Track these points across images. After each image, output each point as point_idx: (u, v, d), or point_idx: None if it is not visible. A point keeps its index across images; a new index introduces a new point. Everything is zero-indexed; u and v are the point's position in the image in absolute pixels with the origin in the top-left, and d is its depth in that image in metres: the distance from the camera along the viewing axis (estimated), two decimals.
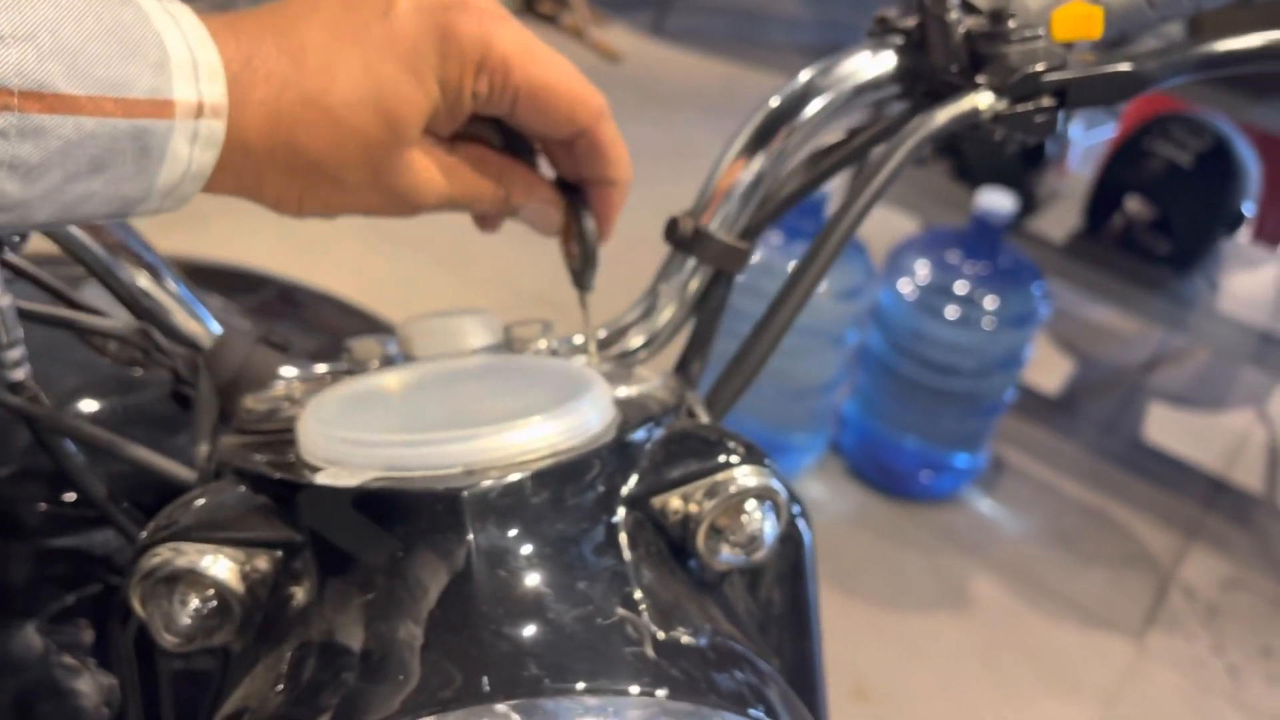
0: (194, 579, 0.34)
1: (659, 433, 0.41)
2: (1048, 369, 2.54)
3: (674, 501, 0.38)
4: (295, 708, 0.31)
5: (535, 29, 0.53)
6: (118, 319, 0.49)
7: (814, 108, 0.51)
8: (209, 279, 0.70)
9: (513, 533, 0.35)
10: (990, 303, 1.91)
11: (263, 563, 0.35)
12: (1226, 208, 2.14)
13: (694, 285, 0.52)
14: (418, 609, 0.32)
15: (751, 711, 0.33)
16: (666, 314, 0.53)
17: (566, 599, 0.33)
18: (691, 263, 0.52)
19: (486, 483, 0.35)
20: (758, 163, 0.51)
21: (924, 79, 0.51)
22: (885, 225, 2.16)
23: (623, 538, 0.36)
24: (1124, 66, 0.48)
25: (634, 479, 0.39)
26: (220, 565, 0.34)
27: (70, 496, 0.53)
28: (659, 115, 3.44)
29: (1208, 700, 1.81)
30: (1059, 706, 1.78)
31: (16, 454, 0.54)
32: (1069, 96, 0.49)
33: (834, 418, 2.19)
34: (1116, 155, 2.23)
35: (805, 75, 0.51)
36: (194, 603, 0.34)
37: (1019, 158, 2.39)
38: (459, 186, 0.45)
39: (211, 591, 0.34)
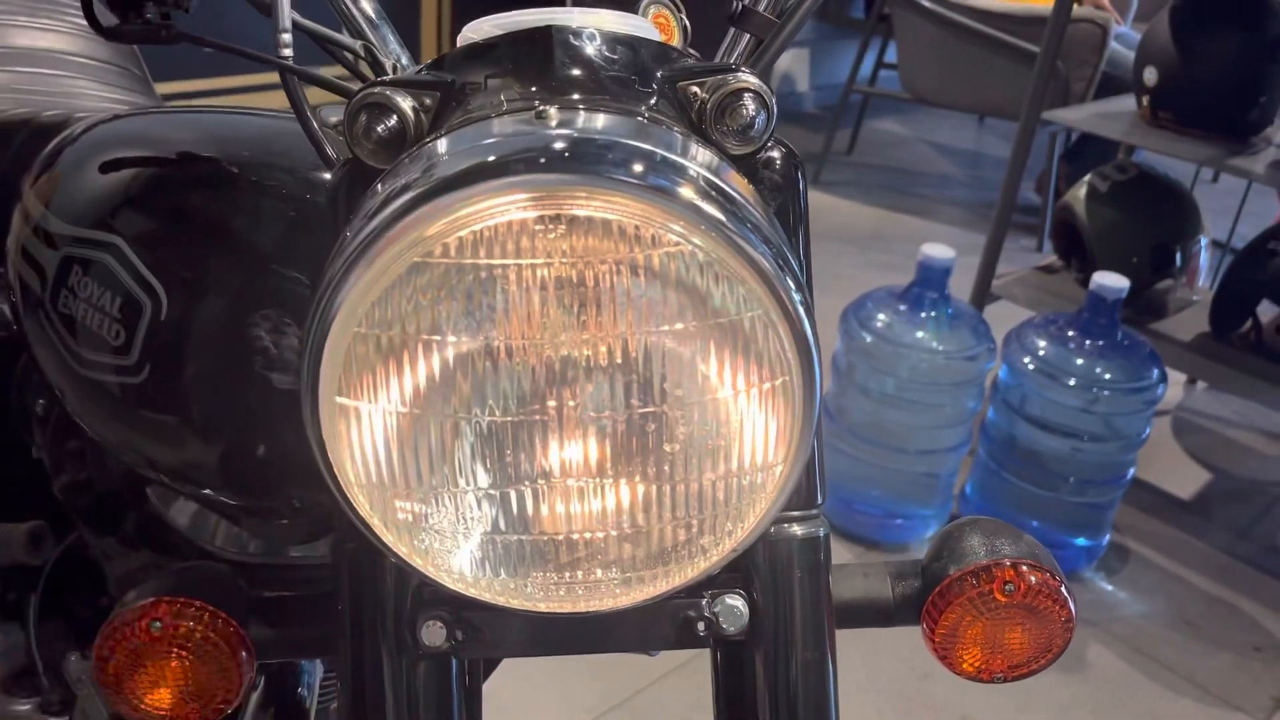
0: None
1: (692, 59, 0.57)
2: (1179, 475, 2.55)
3: (693, 87, 0.54)
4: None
5: None
6: None
7: None
8: None
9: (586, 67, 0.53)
10: (1105, 373, 2.00)
11: (428, 100, 0.53)
12: None
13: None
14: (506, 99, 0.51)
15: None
16: None
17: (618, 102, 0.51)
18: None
19: (571, 27, 0.52)
20: None
21: None
22: (1011, 320, 2.28)
23: (658, 101, 0.53)
24: None
25: (666, 68, 0.54)
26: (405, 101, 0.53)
27: None
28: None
29: None
30: None
31: None
32: None
33: (955, 495, 2.27)
34: (1242, 258, 2.30)
35: None
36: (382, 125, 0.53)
37: (1149, 265, 2.49)
38: None
39: (396, 118, 0.53)
